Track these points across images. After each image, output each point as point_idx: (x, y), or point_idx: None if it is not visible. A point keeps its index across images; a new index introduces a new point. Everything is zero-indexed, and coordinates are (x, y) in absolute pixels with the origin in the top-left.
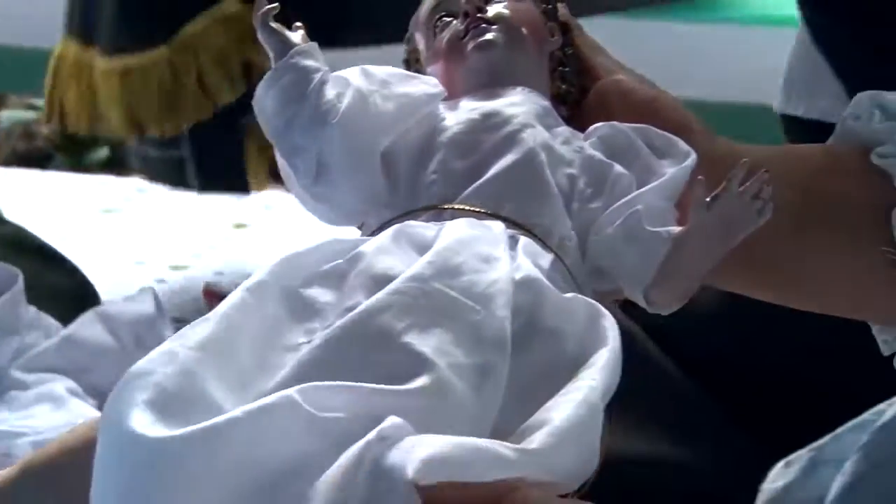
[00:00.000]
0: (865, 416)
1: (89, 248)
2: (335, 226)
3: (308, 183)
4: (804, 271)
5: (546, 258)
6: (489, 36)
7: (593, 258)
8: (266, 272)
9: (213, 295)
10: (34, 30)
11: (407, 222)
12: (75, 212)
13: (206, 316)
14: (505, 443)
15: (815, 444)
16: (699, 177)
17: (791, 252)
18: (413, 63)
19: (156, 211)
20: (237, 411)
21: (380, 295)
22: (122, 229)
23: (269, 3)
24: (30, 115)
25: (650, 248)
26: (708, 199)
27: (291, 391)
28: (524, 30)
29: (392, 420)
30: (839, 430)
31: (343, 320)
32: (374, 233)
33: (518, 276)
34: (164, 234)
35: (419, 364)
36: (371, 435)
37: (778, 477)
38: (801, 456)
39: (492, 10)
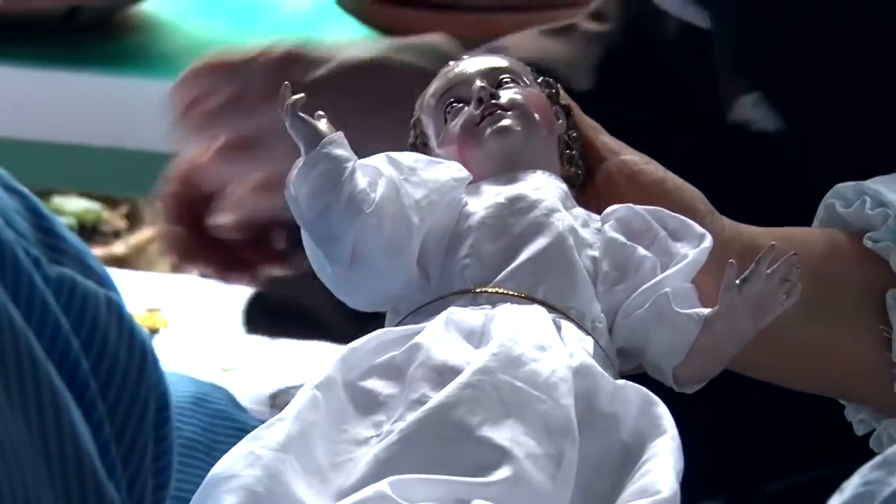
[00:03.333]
0: None
1: None
2: (366, 310)
3: (342, 270)
4: (806, 353)
5: (588, 342)
6: (506, 122)
7: (621, 339)
8: (331, 368)
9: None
10: None
11: (451, 309)
12: None
13: (280, 415)
14: None
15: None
16: (731, 260)
17: (795, 333)
18: (420, 147)
19: None
20: None
21: (450, 390)
22: None
23: (296, 95)
24: None
25: (682, 330)
26: (738, 282)
27: (382, 484)
28: (537, 115)
29: None
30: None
31: (417, 414)
32: (405, 318)
33: (574, 363)
34: None
35: (499, 456)
36: None
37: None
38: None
39: (504, 96)
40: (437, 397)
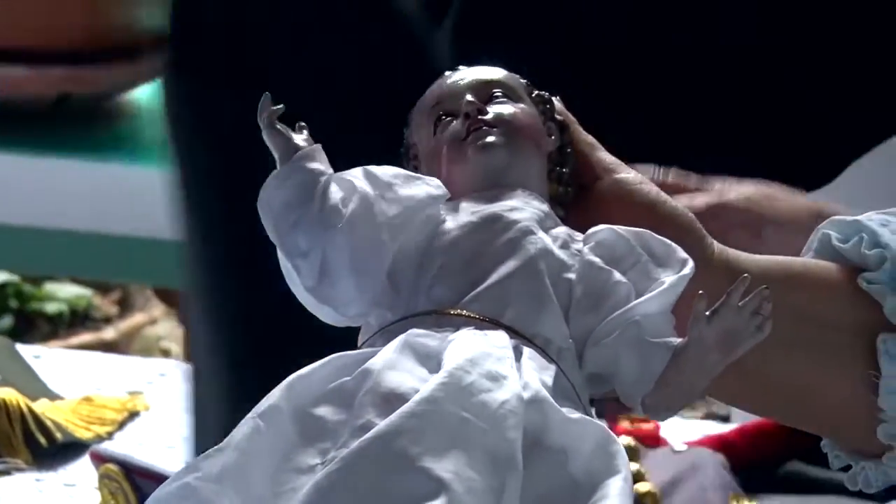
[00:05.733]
0: None
1: None
2: (337, 325)
3: (311, 285)
4: (789, 388)
5: (549, 371)
6: (490, 139)
7: (591, 366)
8: (276, 396)
9: (97, 458)
10: None
11: (411, 331)
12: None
13: (219, 446)
14: None
15: None
16: (700, 291)
17: (779, 369)
18: (411, 158)
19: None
20: None
21: (394, 418)
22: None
23: (274, 105)
24: None
25: (650, 360)
26: (708, 313)
27: None
28: (524, 132)
29: None
30: None
31: (358, 443)
32: (373, 336)
33: (527, 395)
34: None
35: (437, 488)
36: None
37: None
38: None
39: (492, 112)
40: (380, 425)
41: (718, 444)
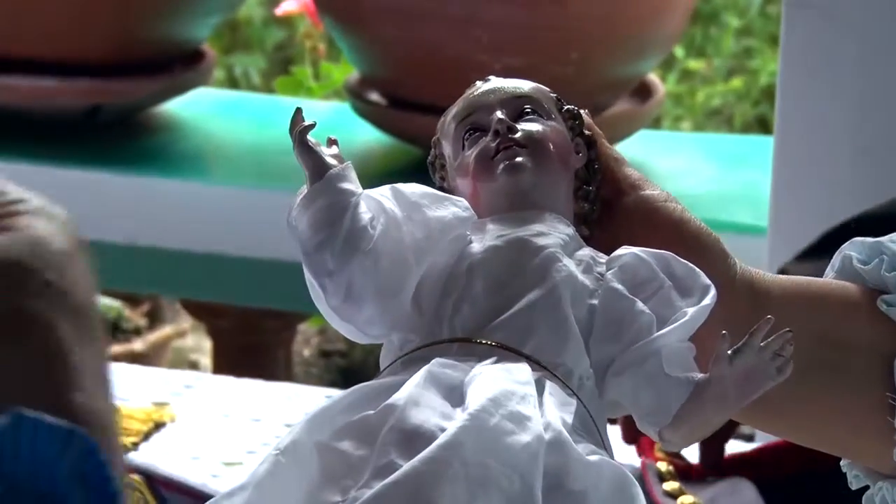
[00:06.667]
0: None
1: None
2: (359, 342)
3: (337, 304)
4: (805, 411)
5: (570, 407)
6: (519, 159)
7: (610, 395)
8: (298, 430)
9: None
10: None
11: (435, 361)
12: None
13: (241, 483)
14: None
15: None
16: (724, 332)
17: (796, 392)
18: (438, 169)
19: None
20: None
21: (416, 463)
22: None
23: (307, 122)
24: None
25: (669, 394)
26: (730, 353)
27: None
28: (552, 151)
29: None
30: None
31: (380, 485)
32: (395, 363)
33: (548, 436)
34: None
35: None
36: None
37: None
38: None
39: (521, 130)
40: (402, 469)
41: (741, 462)
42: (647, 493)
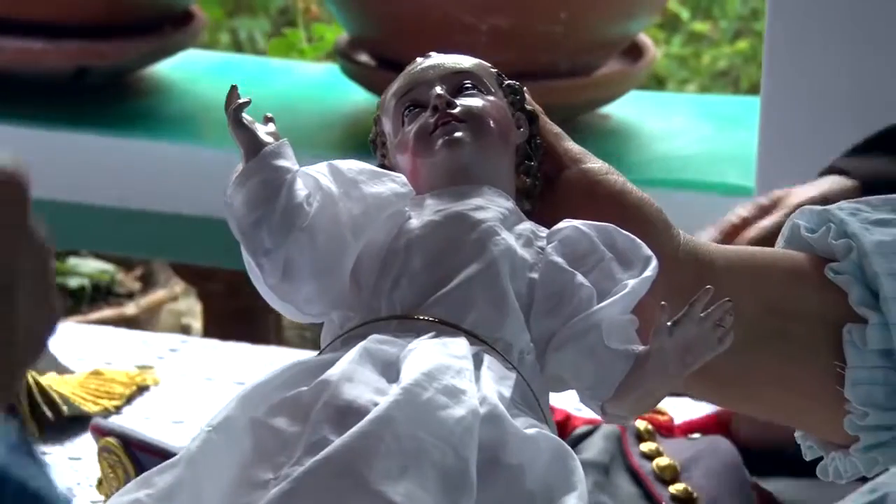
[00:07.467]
0: None
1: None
2: (299, 321)
3: (274, 282)
4: (753, 380)
5: (509, 380)
6: (458, 134)
7: (552, 369)
8: (232, 406)
9: (97, 431)
10: None
11: (371, 337)
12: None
13: (172, 460)
14: None
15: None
16: (662, 303)
17: (744, 361)
18: (380, 146)
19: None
20: None
21: (347, 438)
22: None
23: (241, 99)
24: None
25: (610, 367)
26: (669, 324)
27: None
28: (492, 126)
29: None
30: None
31: (311, 462)
32: (334, 341)
33: (483, 410)
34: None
35: None
36: None
37: None
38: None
39: (461, 105)
40: (334, 444)
41: (719, 422)
42: (624, 454)
